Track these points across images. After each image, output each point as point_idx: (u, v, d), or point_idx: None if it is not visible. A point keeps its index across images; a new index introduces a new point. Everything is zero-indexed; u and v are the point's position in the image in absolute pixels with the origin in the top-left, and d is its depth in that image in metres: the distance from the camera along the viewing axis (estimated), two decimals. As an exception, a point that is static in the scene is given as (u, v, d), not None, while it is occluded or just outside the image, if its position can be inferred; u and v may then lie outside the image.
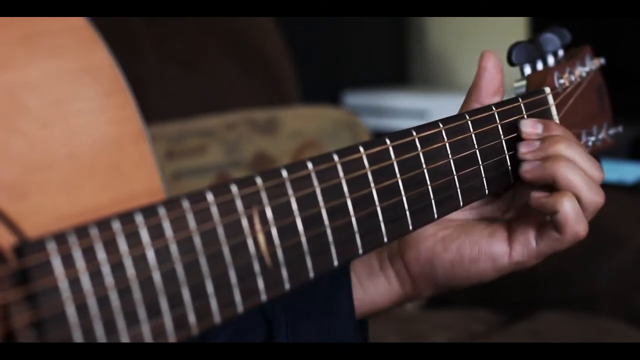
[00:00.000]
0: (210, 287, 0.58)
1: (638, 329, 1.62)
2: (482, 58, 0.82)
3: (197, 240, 0.58)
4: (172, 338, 0.56)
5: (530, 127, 0.80)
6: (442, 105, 2.37)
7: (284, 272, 0.62)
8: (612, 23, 2.22)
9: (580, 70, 0.91)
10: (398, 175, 0.71)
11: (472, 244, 0.79)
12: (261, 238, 0.61)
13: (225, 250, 0.59)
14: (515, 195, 0.82)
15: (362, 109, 2.41)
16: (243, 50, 1.92)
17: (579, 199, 0.76)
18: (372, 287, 0.82)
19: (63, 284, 0.52)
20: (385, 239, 0.70)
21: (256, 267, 0.61)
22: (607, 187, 0.80)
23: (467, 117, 0.78)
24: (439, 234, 0.80)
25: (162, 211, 0.57)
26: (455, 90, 2.55)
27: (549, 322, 1.63)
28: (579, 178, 0.76)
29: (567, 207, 0.75)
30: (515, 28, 2.44)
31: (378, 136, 0.71)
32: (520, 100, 0.83)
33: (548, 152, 0.78)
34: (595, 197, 0.76)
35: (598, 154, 0.92)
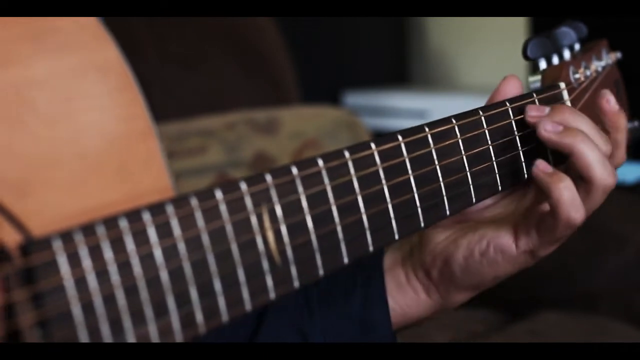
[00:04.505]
0: (218, 286, 0.58)
1: (638, 329, 1.62)
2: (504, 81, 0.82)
3: (206, 238, 0.57)
4: (179, 337, 0.56)
5: (535, 110, 0.79)
6: (442, 105, 2.36)
7: (294, 270, 0.62)
8: (611, 22, 2.21)
9: (597, 65, 0.90)
10: (410, 172, 0.71)
11: (480, 238, 0.80)
12: (270, 236, 0.61)
13: (234, 248, 0.59)
14: (525, 192, 0.82)
15: (362, 109, 2.41)
16: (243, 50, 1.91)
17: (592, 178, 0.75)
18: (402, 299, 0.84)
19: (69, 283, 0.52)
20: (397, 236, 0.69)
21: (265, 265, 0.60)
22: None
23: (481, 112, 0.77)
24: (451, 236, 0.82)
25: (170, 209, 0.56)
26: (455, 90, 2.55)
27: (549, 322, 1.63)
28: (595, 155, 0.75)
29: (561, 190, 0.74)
30: (516, 28, 2.44)
31: (378, 136, 0.70)
32: (535, 95, 0.82)
33: (569, 123, 0.77)
34: (607, 177, 0.76)
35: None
